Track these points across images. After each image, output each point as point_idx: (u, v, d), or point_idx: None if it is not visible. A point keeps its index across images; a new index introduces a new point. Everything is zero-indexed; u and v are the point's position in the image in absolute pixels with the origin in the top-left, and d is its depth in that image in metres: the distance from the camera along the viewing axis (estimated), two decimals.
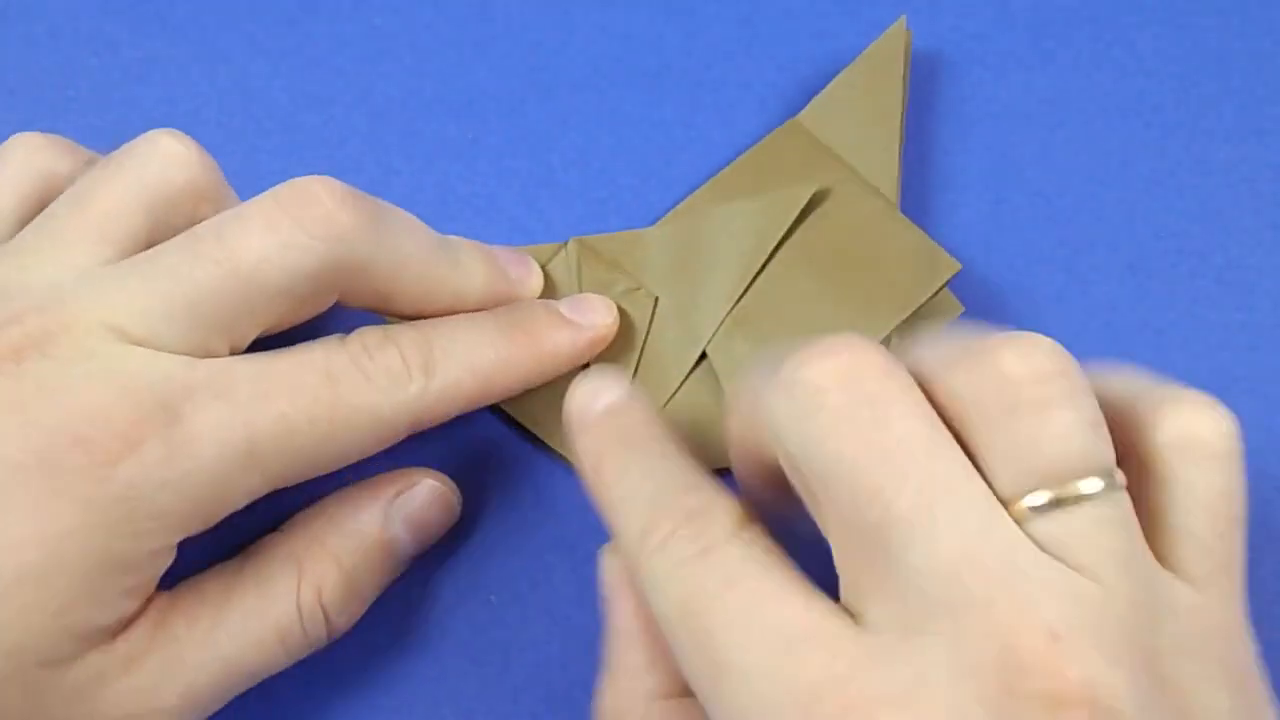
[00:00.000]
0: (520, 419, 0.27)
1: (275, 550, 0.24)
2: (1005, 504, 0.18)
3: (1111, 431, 0.19)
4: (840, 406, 0.18)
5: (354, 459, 0.23)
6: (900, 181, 0.29)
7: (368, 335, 0.24)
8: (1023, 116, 0.31)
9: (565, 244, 0.28)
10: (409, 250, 0.24)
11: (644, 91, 0.31)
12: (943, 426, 0.18)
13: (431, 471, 0.26)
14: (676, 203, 0.29)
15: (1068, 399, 0.18)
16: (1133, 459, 0.20)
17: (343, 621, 0.24)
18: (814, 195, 0.28)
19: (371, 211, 0.23)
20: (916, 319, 0.27)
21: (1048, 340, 0.19)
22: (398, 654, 0.26)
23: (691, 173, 0.30)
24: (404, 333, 0.24)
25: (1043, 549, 0.18)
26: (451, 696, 0.26)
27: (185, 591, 0.23)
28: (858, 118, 0.29)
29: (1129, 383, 0.21)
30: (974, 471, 0.18)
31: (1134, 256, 0.30)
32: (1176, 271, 0.30)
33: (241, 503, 0.22)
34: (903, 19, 0.30)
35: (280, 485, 0.23)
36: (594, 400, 0.23)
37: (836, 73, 0.30)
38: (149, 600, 0.22)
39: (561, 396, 0.24)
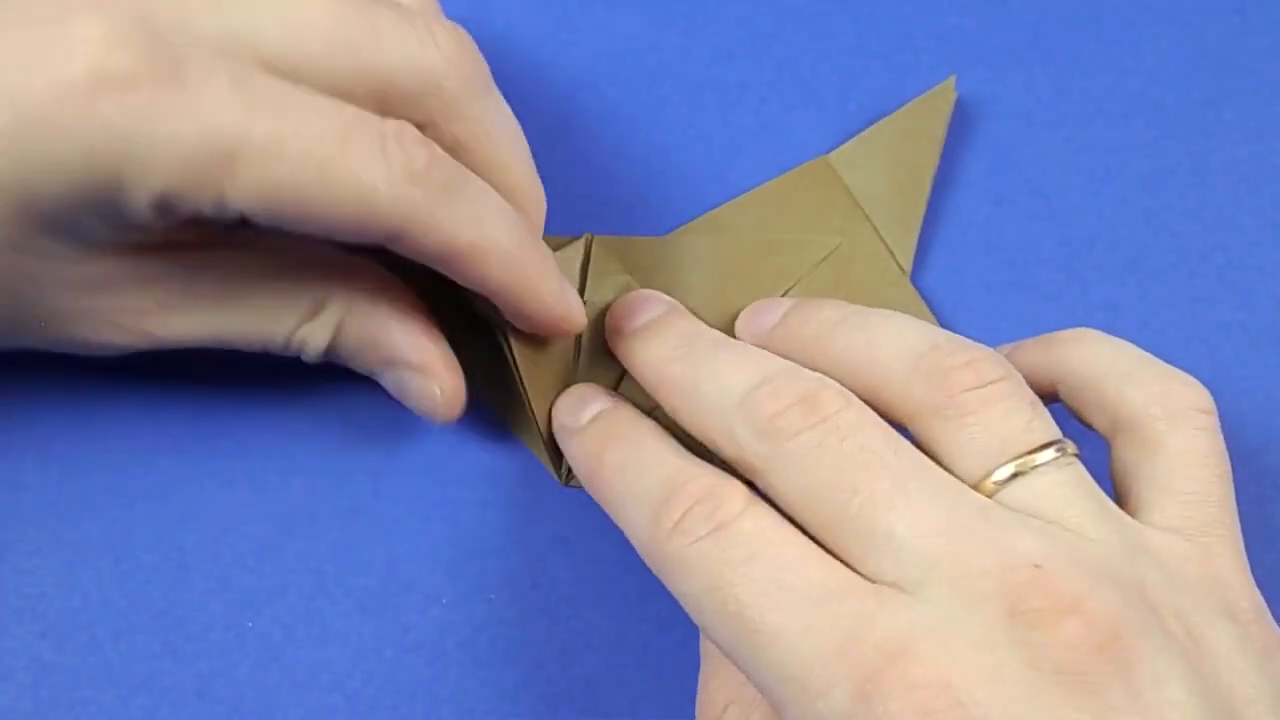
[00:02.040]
0: (515, 428, 0.27)
1: (315, 272, 0.24)
2: (976, 482, 0.21)
3: (1107, 409, 0.23)
4: (810, 443, 0.21)
5: (316, 229, 0.21)
6: (917, 243, 0.29)
7: (407, 129, 0.21)
8: (1023, 116, 0.31)
9: (579, 237, 0.28)
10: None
11: (675, 101, 0.31)
12: (892, 430, 0.21)
13: (445, 371, 0.25)
14: (689, 215, 0.30)
15: (1010, 395, 0.21)
16: (1127, 432, 0.23)
17: (309, 360, 0.25)
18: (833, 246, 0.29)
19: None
20: None
21: (985, 349, 0.22)
22: (398, 654, 0.26)
23: (710, 190, 0.30)
24: (440, 149, 0.22)
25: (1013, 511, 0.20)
26: (451, 696, 0.26)
27: (226, 255, 0.23)
28: (888, 171, 0.29)
29: (1119, 368, 0.23)
30: (934, 464, 0.21)
31: (1134, 256, 0.30)
32: (1176, 271, 0.30)
33: (205, 207, 0.20)
34: (952, 79, 0.30)
35: (236, 212, 0.20)
36: (582, 409, 0.25)
37: (867, 114, 0.30)
38: (174, 240, 0.23)
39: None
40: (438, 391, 0.25)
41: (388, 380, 0.25)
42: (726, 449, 0.22)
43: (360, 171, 0.20)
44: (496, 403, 0.28)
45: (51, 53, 0.19)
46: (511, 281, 0.23)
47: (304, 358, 0.25)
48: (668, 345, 0.24)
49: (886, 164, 0.30)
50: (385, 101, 0.22)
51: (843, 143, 0.30)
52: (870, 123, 0.30)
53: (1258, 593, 0.21)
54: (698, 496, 0.21)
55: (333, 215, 0.21)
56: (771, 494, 0.21)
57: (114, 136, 0.19)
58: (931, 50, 0.32)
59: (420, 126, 0.22)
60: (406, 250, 0.22)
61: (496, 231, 0.23)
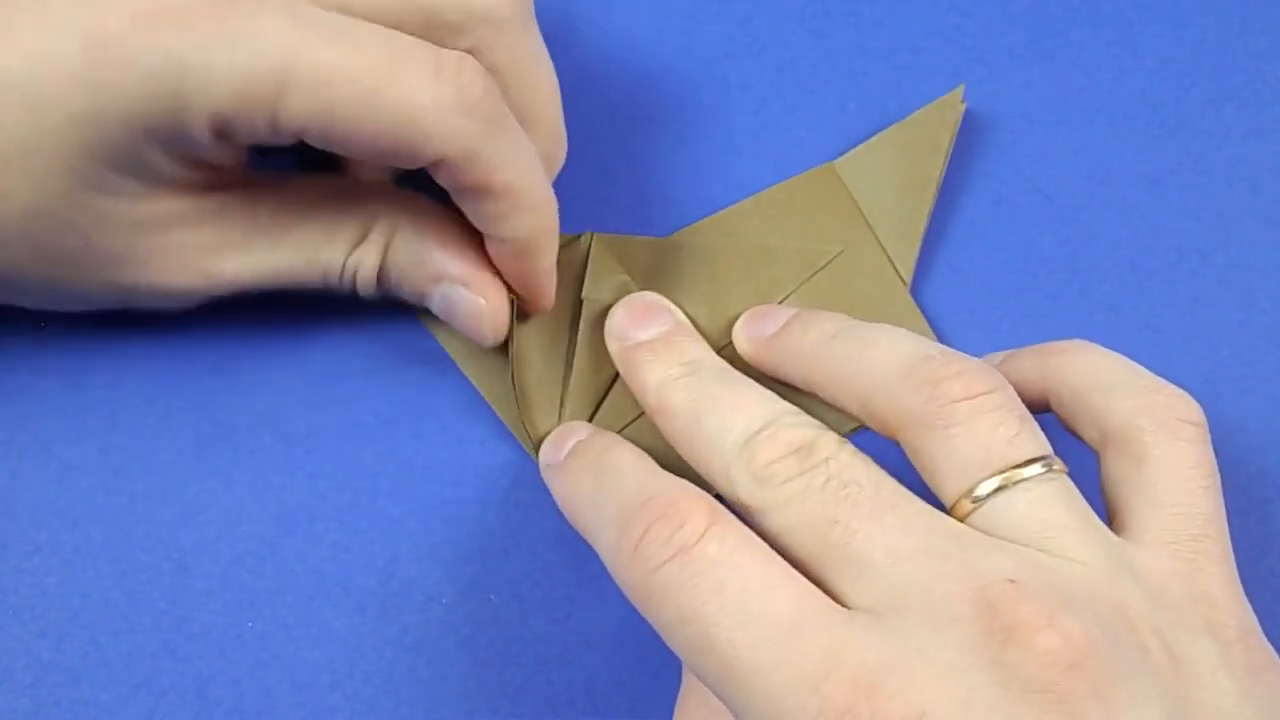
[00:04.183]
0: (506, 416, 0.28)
1: (360, 199, 0.25)
2: (959, 498, 0.21)
3: (1095, 420, 0.23)
4: (801, 486, 0.21)
5: (366, 151, 0.22)
6: (919, 253, 0.29)
7: (468, 60, 0.22)
8: (1023, 117, 0.31)
9: (581, 235, 0.28)
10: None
11: (676, 101, 0.31)
12: (885, 472, 0.21)
13: (489, 285, 0.26)
14: (689, 216, 0.30)
15: (998, 408, 0.21)
16: (1114, 444, 0.23)
17: (364, 293, 0.26)
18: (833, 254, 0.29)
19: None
20: None
21: (977, 361, 0.22)
22: (398, 654, 0.26)
23: (710, 191, 0.30)
24: (494, 83, 0.23)
25: (990, 535, 0.20)
26: (451, 696, 0.26)
27: (276, 188, 0.25)
28: (893, 180, 0.29)
29: (1108, 379, 0.23)
30: (916, 497, 0.21)
31: (1134, 256, 0.30)
32: (1176, 271, 0.30)
33: (260, 130, 0.22)
34: (960, 89, 0.30)
35: (289, 133, 0.22)
36: (560, 446, 0.25)
37: (866, 114, 0.30)
38: (232, 177, 0.24)
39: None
40: (483, 303, 0.26)
41: (436, 301, 0.26)
42: (722, 487, 0.22)
43: (411, 96, 0.21)
44: (495, 402, 0.28)
45: None
46: (528, 232, 0.24)
47: (359, 290, 0.26)
48: (671, 369, 0.25)
49: (892, 173, 0.29)
50: (433, 28, 0.23)
51: (841, 143, 0.30)
52: (869, 123, 0.31)
53: (1246, 609, 0.21)
54: (658, 513, 0.20)
55: (382, 137, 0.22)
56: (762, 532, 0.21)
57: (175, 63, 0.20)
58: (931, 50, 0.32)
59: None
60: (446, 180, 0.23)
61: (530, 176, 0.24)
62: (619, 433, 0.27)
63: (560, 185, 0.29)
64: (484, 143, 0.22)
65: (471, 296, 0.25)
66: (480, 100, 0.22)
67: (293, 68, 0.21)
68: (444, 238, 0.25)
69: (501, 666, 0.26)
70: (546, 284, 0.26)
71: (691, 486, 0.21)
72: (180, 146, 0.22)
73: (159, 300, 0.24)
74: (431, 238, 0.25)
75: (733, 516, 0.21)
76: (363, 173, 0.27)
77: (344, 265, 0.25)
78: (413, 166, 0.23)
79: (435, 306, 0.26)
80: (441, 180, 0.23)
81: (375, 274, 0.25)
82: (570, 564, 0.27)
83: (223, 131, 0.22)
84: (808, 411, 0.23)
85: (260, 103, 0.21)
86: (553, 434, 0.26)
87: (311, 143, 0.22)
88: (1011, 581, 0.19)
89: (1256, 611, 0.21)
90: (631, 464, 0.23)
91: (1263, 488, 0.28)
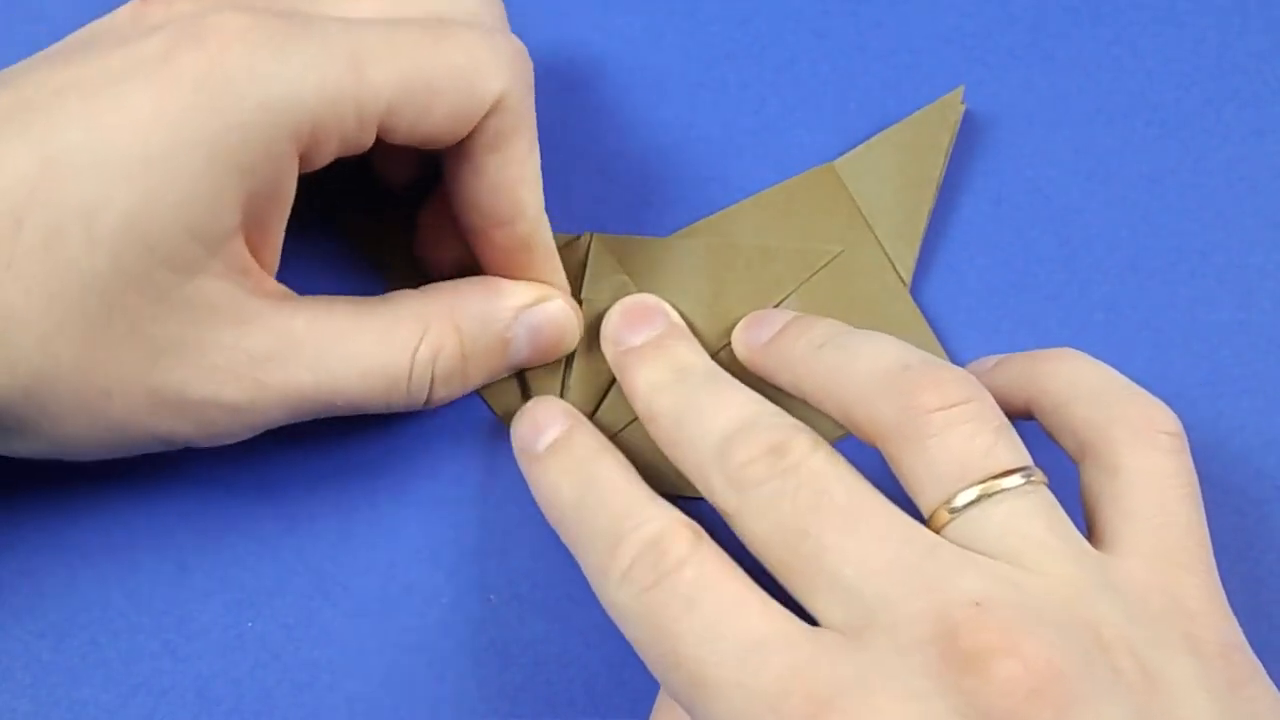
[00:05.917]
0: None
1: (407, 303, 0.24)
2: (937, 508, 0.21)
3: (1075, 431, 0.23)
4: (773, 491, 0.21)
5: (443, 108, 0.22)
6: (918, 254, 0.29)
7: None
8: (1023, 117, 0.31)
9: (580, 236, 0.28)
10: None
11: (675, 101, 0.31)
12: (861, 476, 0.21)
13: (564, 295, 0.26)
14: (688, 217, 0.30)
15: (974, 418, 0.21)
16: (1092, 455, 0.22)
17: (442, 394, 0.25)
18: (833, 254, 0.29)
19: None
20: None
21: (956, 371, 0.22)
22: (398, 654, 0.26)
23: (710, 191, 0.30)
24: None
25: (966, 547, 0.20)
26: (451, 696, 0.26)
27: (315, 301, 0.23)
28: (893, 181, 0.29)
29: (1088, 390, 0.23)
30: (892, 505, 0.21)
31: (1134, 256, 0.30)
32: (1176, 271, 0.30)
33: (350, 131, 0.22)
34: (960, 89, 0.30)
35: (375, 113, 0.22)
36: (540, 434, 0.25)
37: (866, 115, 0.30)
38: (269, 283, 0.23)
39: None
40: (566, 305, 0.26)
41: (522, 335, 0.25)
42: (703, 490, 0.23)
43: (468, 38, 0.23)
44: (494, 402, 0.28)
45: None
46: (539, 196, 0.25)
47: (438, 388, 0.24)
48: (661, 373, 0.25)
49: (892, 174, 0.29)
50: None
51: (841, 143, 0.30)
52: (869, 123, 0.31)
53: (1229, 620, 0.21)
54: (643, 545, 0.21)
55: (452, 85, 0.22)
56: (741, 538, 0.21)
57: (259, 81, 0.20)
58: (930, 51, 0.31)
59: None
60: (499, 126, 0.23)
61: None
62: (618, 434, 0.27)
63: (560, 185, 0.29)
64: (529, 88, 0.24)
65: (556, 305, 0.26)
66: (518, 54, 0.24)
67: (360, 49, 0.21)
68: (494, 283, 0.26)
69: (501, 666, 0.26)
70: (561, 277, 0.26)
71: (677, 514, 0.22)
72: (258, 181, 0.21)
73: (205, 426, 0.23)
74: (487, 288, 0.25)
75: (713, 543, 0.21)
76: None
77: (413, 362, 0.24)
78: (477, 113, 0.23)
79: (521, 343, 0.26)
80: (489, 135, 0.23)
81: (459, 356, 0.24)
82: (570, 564, 0.27)
83: (311, 141, 0.21)
84: (800, 418, 0.23)
85: (345, 88, 0.21)
86: (525, 416, 0.26)
87: (392, 127, 0.22)
88: (977, 604, 0.18)
89: (1255, 613, 0.21)
90: (618, 480, 0.23)
91: (1262, 488, 0.28)
